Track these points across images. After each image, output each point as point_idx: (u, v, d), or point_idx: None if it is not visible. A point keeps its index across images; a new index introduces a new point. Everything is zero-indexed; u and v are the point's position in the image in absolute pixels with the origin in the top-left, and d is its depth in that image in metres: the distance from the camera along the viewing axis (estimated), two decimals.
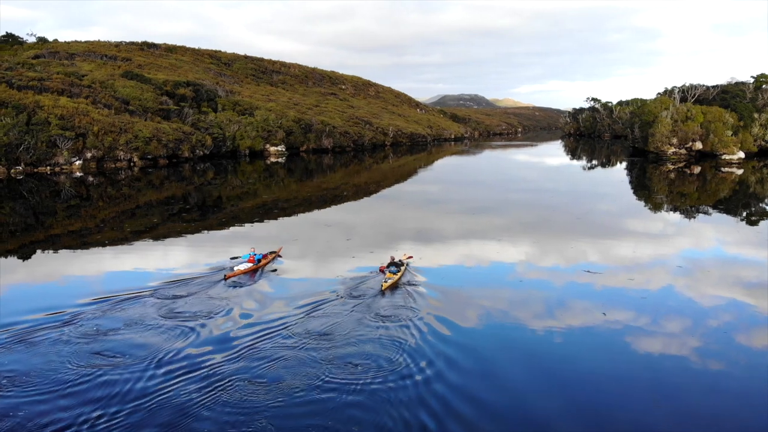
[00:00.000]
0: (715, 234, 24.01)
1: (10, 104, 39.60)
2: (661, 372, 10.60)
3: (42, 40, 79.02)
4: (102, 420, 8.55)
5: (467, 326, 12.69)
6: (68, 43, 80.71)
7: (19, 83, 44.73)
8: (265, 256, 17.71)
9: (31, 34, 79.46)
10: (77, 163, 41.89)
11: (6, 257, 19.26)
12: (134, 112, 49.82)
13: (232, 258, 17.18)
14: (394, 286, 15.27)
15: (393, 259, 16.50)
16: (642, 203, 33.63)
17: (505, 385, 9.93)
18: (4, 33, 76.60)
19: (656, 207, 31.98)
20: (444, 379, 9.99)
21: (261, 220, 26.57)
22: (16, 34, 77.15)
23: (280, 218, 27.32)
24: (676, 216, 29.13)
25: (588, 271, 17.45)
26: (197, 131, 52.88)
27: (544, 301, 14.70)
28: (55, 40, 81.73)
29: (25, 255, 19.52)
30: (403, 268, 16.38)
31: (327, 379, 9.85)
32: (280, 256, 18.51)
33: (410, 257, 17.70)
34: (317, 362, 10.45)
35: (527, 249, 20.42)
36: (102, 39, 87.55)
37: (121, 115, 47.75)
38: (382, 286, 14.94)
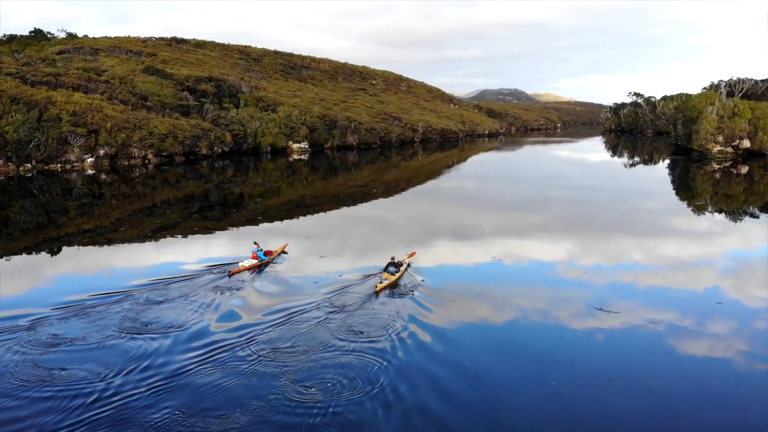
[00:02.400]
0: (763, 234, 22.69)
1: (22, 100, 38.93)
2: (705, 375, 10.37)
3: (71, 36, 79.56)
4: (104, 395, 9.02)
5: (502, 324, 12.64)
6: (95, 38, 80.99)
7: (34, 79, 44.27)
8: (269, 253, 17.36)
9: (62, 30, 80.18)
10: (89, 160, 41.18)
11: (19, 255, 19.20)
12: (152, 108, 49.01)
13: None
14: (392, 287, 14.62)
15: (393, 259, 15.68)
16: (685, 203, 31.77)
17: (544, 389, 9.69)
18: (32, 28, 77.51)
19: (700, 207, 29.86)
20: (461, 377, 9.98)
21: (282, 219, 25.87)
22: (45, 30, 77.88)
23: (307, 215, 26.66)
24: (721, 216, 27.68)
25: (630, 271, 16.92)
26: (216, 128, 51.88)
27: (584, 300, 14.14)
28: (85, 36, 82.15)
29: (32, 252, 19.55)
30: (402, 268, 15.57)
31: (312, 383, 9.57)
32: (285, 252, 18.15)
33: (413, 254, 17.03)
34: (306, 361, 10.32)
35: (567, 246, 19.82)
36: (138, 36, 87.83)
37: (138, 111, 46.96)
38: (376, 287, 14.20)
